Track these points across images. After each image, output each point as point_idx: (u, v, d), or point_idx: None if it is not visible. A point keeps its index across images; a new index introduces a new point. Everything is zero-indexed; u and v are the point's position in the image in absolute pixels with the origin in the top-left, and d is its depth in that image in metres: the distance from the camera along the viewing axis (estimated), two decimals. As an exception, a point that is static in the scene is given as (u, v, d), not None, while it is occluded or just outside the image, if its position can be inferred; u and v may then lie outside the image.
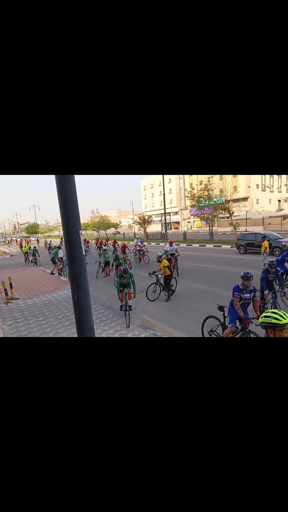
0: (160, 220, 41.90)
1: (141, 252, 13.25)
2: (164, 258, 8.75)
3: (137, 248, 13.57)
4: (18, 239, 45.60)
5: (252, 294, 3.77)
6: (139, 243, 13.82)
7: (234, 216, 22.16)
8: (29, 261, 17.36)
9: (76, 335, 4.29)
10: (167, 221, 32.41)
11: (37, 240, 34.38)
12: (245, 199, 32.25)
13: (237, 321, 3.73)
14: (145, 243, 15.64)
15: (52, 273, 12.05)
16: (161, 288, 7.32)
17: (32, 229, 64.75)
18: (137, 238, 16.89)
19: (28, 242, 26.71)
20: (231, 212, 21.50)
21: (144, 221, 30.87)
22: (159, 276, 7.15)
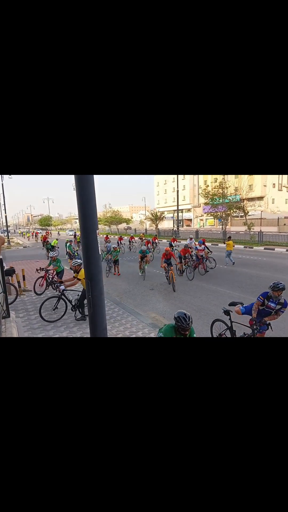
0: (172, 217, 41.68)
1: (198, 258, 9.73)
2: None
3: (194, 252, 10.06)
4: (40, 232, 37.76)
5: (280, 307, 3.49)
6: (197, 246, 10.14)
7: (249, 215, 21.76)
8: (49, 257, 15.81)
9: (87, 330, 4.32)
10: (179, 218, 32.17)
11: (74, 235, 21.91)
12: (261, 198, 31.59)
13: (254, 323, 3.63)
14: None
15: (70, 268, 12.02)
16: (72, 306, 5.71)
17: (46, 221, 65.88)
18: (190, 238, 12.75)
19: (48, 233, 25.01)
20: (246, 211, 21.11)
21: (156, 217, 30.79)
22: (64, 289, 5.65)
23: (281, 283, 3.44)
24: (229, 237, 12.01)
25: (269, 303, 3.52)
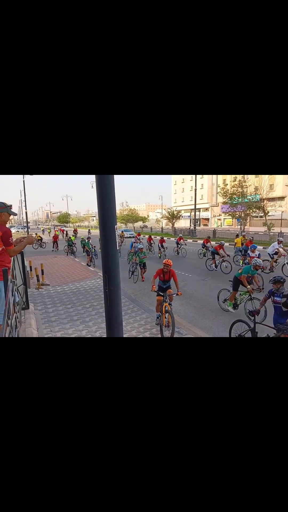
0: (189, 216, 41.27)
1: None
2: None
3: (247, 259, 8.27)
4: (65, 229, 33.22)
5: (284, 299, 3.65)
6: (250, 252, 8.21)
7: (269, 215, 21.12)
8: (69, 253, 15.71)
9: (103, 326, 4.38)
10: (196, 217, 31.80)
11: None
12: (282, 198, 30.53)
13: (278, 325, 3.68)
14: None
15: (87, 264, 12.18)
16: None
17: (64, 218, 67.37)
18: (279, 241, 9.44)
19: (76, 231, 23.00)
20: (266, 211, 20.51)
21: (173, 216, 30.59)
22: None
23: (279, 276, 3.80)
24: (237, 235, 12.50)
25: (275, 298, 3.77)
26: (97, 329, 4.95)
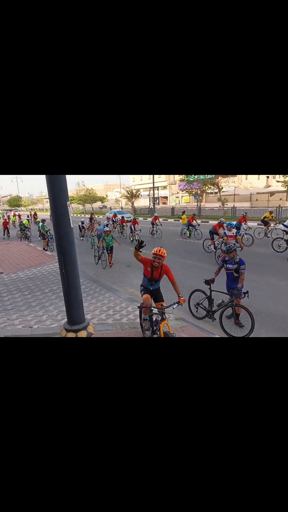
0: (148, 195, 41.21)
1: None
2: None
3: (222, 239, 7.70)
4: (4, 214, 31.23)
5: (236, 266, 3.97)
6: (226, 231, 7.63)
7: (223, 191, 22.10)
8: (23, 238, 14.72)
9: (63, 309, 4.29)
10: (155, 196, 31.90)
11: (90, 219, 15.33)
12: (234, 175, 32.00)
13: (231, 290, 3.94)
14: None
15: (44, 249, 11.51)
16: None
17: (15, 202, 62.30)
18: (244, 214, 9.99)
19: (36, 215, 21.32)
20: (220, 187, 21.39)
21: (132, 195, 30.27)
22: None
23: (233, 245, 4.04)
24: (183, 212, 13.87)
25: (228, 265, 4.08)
26: (59, 313, 4.82)
